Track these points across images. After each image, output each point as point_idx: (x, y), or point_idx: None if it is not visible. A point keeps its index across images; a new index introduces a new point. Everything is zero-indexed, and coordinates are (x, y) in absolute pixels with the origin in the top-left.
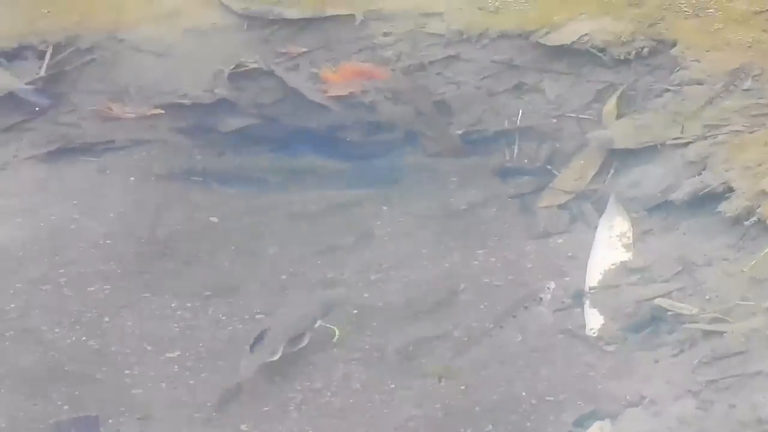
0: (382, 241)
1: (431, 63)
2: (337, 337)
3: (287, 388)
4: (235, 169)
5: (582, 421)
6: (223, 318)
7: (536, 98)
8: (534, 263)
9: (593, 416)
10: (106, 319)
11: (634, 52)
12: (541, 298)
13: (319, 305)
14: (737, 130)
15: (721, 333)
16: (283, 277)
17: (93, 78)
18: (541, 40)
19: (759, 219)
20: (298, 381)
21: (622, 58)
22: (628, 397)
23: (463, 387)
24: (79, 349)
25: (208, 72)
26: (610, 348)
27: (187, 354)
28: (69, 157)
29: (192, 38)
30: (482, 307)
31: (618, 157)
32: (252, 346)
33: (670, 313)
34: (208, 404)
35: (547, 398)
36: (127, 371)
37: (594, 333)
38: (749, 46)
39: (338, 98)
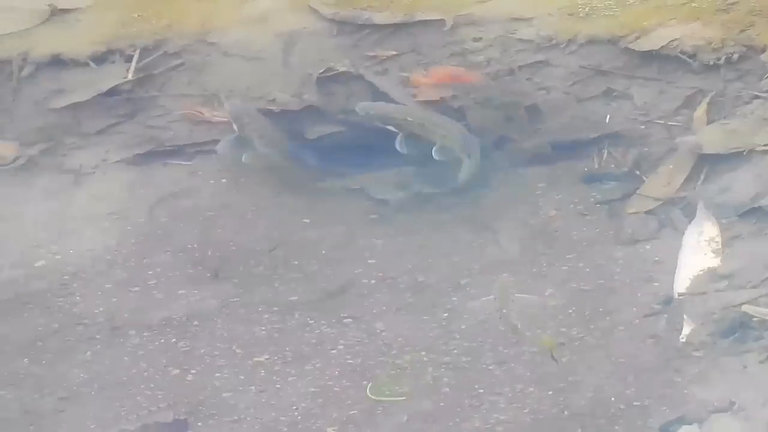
0: (471, 246)
1: (521, 68)
2: None
3: (375, 393)
4: (325, 174)
5: (669, 426)
6: (311, 322)
7: (625, 104)
8: (622, 269)
9: (680, 421)
10: (195, 322)
11: (723, 58)
12: None
13: None
14: None
15: None
16: (372, 281)
17: (182, 82)
18: (631, 46)
19: None
20: (385, 385)
21: (711, 63)
22: (715, 403)
23: (551, 392)
24: (168, 351)
25: (297, 76)
26: (698, 353)
27: (275, 358)
28: (158, 160)
29: (281, 42)
30: (570, 312)
31: (707, 163)
32: None
33: (756, 319)
34: (295, 408)
35: (635, 403)
36: (216, 374)
37: (682, 339)
38: None
39: (428, 103)
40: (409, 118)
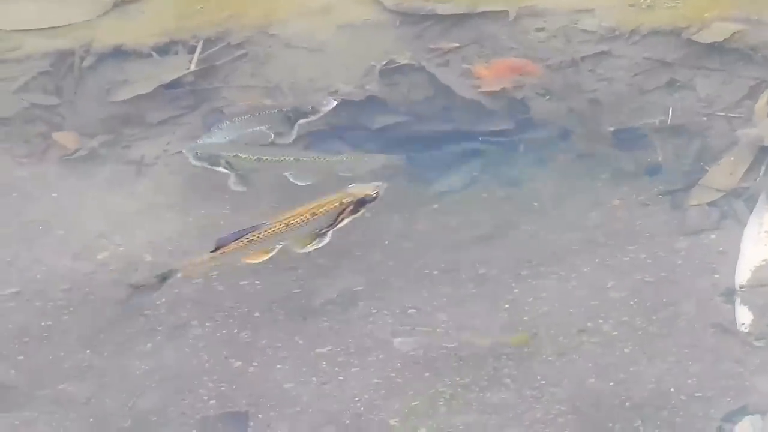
0: (532, 237)
1: (583, 59)
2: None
3: (436, 382)
4: (385, 165)
5: (731, 417)
6: (374, 311)
7: (687, 95)
8: (684, 260)
9: (743, 412)
10: (257, 313)
11: None
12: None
13: None
14: None
15: None
16: (435, 272)
17: (245, 73)
18: (693, 38)
19: None
20: (447, 376)
21: None
22: None
23: (612, 383)
24: (231, 343)
25: (360, 68)
26: (760, 344)
27: (338, 349)
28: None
29: (344, 34)
30: (632, 303)
31: None
32: None
33: None
34: (357, 399)
35: (696, 394)
36: (278, 366)
37: (744, 329)
38: None
39: (490, 94)
40: (242, 155)
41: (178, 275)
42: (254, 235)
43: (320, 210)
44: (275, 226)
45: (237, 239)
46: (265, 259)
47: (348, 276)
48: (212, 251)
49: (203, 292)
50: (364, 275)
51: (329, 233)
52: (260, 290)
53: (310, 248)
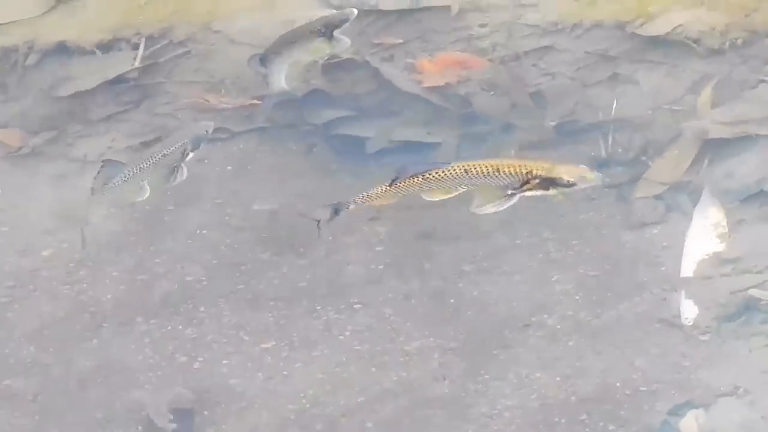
0: (477, 232)
1: (526, 54)
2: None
3: (383, 378)
4: (328, 160)
5: (676, 411)
6: (318, 308)
7: (631, 89)
8: (629, 253)
9: (688, 406)
10: (202, 309)
11: (728, 43)
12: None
13: None
14: None
15: None
16: (381, 266)
17: (188, 69)
18: (636, 31)
19: None
20: (393, 371)
21: (716, 48)
22: (722, 387)
23: (558, 378)
24: (175, 339)
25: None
26: (705, 338)
27: (282, 344)
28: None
29: (287, 29)
30: (577, 297)
31: (712, 148)
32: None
33: (763, 302)
34: (302, 395)
35: (642, 388)
36: (223, 361)
37: (689, 322)
38: None
39: (433, 89)
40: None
41: (351, 207)
42: (432, 173)
43: (506, 169)
44: (455, 169)
45: (414, 175)
46: (443, 197)
47: (292, 272)
48: (389, 184)
49: (149, 288)
50: (309, 271)
51: (513, 198)
52: (205, 286)
53: (491, 209)
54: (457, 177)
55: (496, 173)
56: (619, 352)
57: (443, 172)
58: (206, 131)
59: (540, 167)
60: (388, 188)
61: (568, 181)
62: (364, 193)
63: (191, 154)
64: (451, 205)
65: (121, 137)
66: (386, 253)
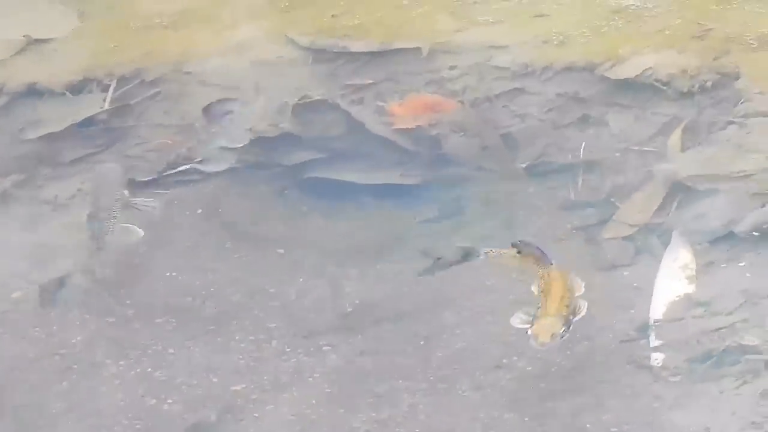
0: (450, 273)
1: (497, 96)
2: None
3: (352, 419)
4: (299, 202)
5: None
6: (288, 349)
7: (601, 131)
8: (600, 295)
9: None
10: (172, 351)
11: (698, 85)
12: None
13: None
14: None
15: None
16: (349, 309)
17: (159, 111)
18: (606, 74)
19: None
20: (363, 412)
21: (686, 90)
22: (692, 428)
23: (527, 418)
24: (145, 381)
25: (274, 105)
26: (675, 379)
27: (252, 386)
28: (136, 191)
29: (258, 71)
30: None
31: (682, 190)
32: None
33: (733, 345)
34: None
35: (612, 429)
36: (199, 402)
37: (659, 364)
38: None
39: (404, 131)
40: None
41: (480, 257)
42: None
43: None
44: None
45: (538, 254)
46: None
47: (263, 313)
48: (518, 252)
49: (119, 330)
50: (279, 311)
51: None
52: (175, 328)
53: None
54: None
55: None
56: (590, 394)
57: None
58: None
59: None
60: (515, 255)
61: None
62: (497, 249)
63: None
64: (423, 246)
65: (91, 180)
66: (355, 293)
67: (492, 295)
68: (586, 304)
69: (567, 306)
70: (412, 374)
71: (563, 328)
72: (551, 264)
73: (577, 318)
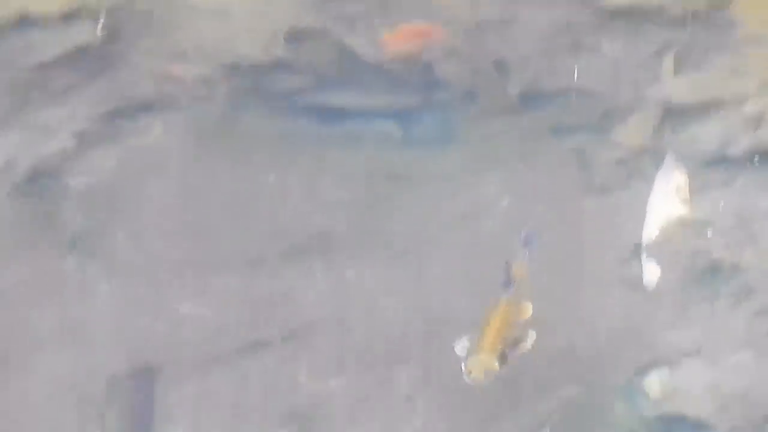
0: (439, 197)
1: (489, 23)
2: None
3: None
4: (291, 130)
5: (640, 371)
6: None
7: (593, 57)
8: (592, 219)
9: (652, 366)
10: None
11: (691, 11)
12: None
13: None
14: None
15: None
16: (339, 229)
17: (150, 39)
18: (599, 1)
19: None
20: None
21: (679, 16)
22: (686, 348)
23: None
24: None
25: (266, 33)
26: (668, 299)
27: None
28: (127, 118)
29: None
30: (541, 262)
31: (675, 114)
32: None
33: (726, 264)
34: (267, 357)
35: (606, 349)
36: (185, 326)
37: (652, 285)
38: None
39: (396, 58)
40: None
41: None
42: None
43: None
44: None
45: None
46: None
47: (255, 238)
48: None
49: (109, 252)
50: (269, 236)
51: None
52: (168, 251)
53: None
54: None
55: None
56: (583, 314)
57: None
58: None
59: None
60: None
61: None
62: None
63: None
64: (416, 173)
65: (83, 107)
66: (344, 220)
67: (482, 218)
68: (535, 334)
69: (504, 339)
70: (403, 290)
71: (497, 365)
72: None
73: (518, 351)
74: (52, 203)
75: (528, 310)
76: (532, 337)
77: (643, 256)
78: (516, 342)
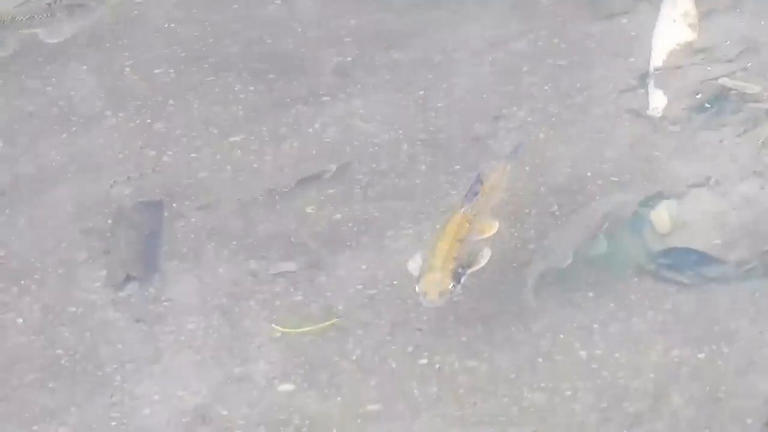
0: (446, 24)
1: None
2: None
3: (355, 172)
4: None
5: (648, 201)
6: (287, 100)
7: None
8: (598, 44)
9: (659, 196)
10: (171, 102)
11: None
12: None
13: None
14: None
15: None
16: (348, 59)
17: None
18: None
19: None
20: (364, 164)
21: None
22: (693, 178)
23: (527, 168)
24: (144, 133)
25: None
26: (675, 128)
27: (252, 138)
28: None
29: None
30: (546, 88)
31: None
32: None
33: (734, 92)
34: (272, 187)
35: (613, 179)
36: (192, 155)
37: (658, 113)
38: None
39: None
40: None
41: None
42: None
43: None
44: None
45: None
46: None
47: (260, 64)
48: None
49: (116, 81)
50: (279, 61)
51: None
52: (174, 79)
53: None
54: None
55: None
56: (589, 143)
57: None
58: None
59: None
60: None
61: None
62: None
63: None
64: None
65: None
66: (355, 45)
67: (490, 46)
68: (490, 252)
69: (455, 258)
70: (411, 124)
71: (452, 284)
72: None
73: (472, 269)
74: None
75: (491, 228)
76: (485, 255)
77: (650, 84)
78: (468, 260)
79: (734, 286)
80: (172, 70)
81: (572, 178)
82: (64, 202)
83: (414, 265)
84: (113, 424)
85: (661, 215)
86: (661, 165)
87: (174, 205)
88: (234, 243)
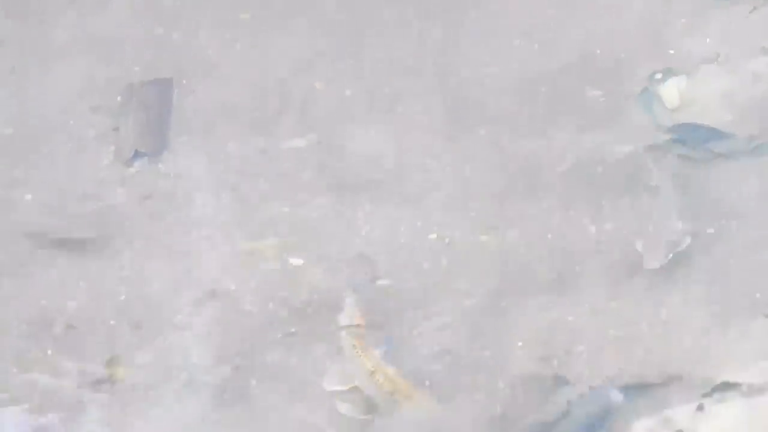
0: None
1: None
2: None
3: None
4: None
5: (657, 78)
6: None
7: None
8: None
9: (669, 73)
10: None
11: None
12: None
13: None
14: None
15: None
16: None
17: None
18: None
19: None
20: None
21: None
22: (702, 54)
23: (536, 45)
24: (154, 8)
25: None
26: (684, 5)
27: (262, 14)
28: None
29: None
30: None
31: None
32: None
33: None
34: (281, 66)
35: (622, 56)
36: (202, 31)
37: None
38: None
39: None
40: None
41: None
42: None
43: None
44: None
45: None
46: None
47: None
48: None
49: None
50: None
51: None
52: None
53: None
54: None
55: None
56: (598, 20)
57: None
58: None
59: None
60: None
61: None
62: None
63: None
64: None
65: None
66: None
67: None
68: None
69: None
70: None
71: None
72: None
73: None
74: None
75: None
76: None
77: None
78: None
79: (743, 162)
80: None
81: (582, 54)
82: (73, 80)
83: None
84: (122, 298)
85: (671, 91)
86: (670, 41)
87: (184, 81)
88: (244, 119)
